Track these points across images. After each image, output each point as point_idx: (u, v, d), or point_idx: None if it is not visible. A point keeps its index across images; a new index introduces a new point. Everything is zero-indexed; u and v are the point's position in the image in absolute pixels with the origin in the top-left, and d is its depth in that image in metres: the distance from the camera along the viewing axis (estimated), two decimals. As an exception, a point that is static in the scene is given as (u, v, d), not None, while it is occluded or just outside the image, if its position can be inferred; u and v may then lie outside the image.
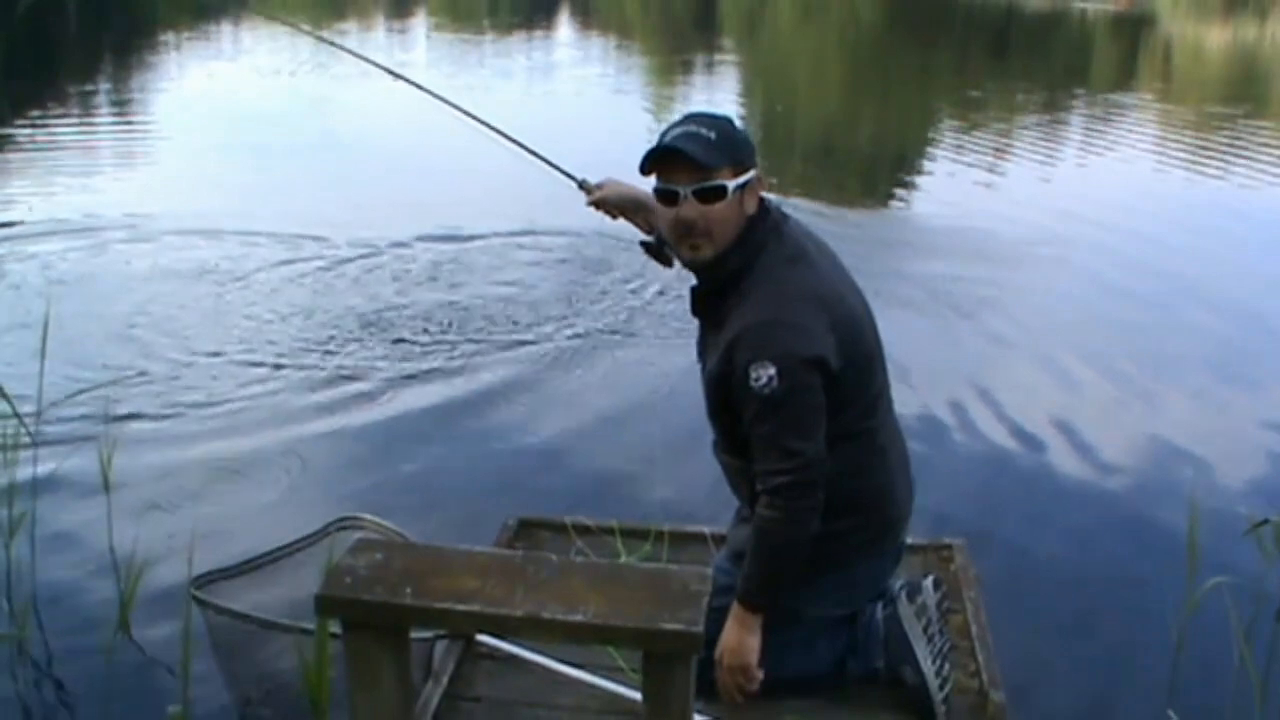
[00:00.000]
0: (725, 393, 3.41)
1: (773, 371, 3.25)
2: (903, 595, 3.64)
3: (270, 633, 3.65)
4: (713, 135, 3.38)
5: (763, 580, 3.40)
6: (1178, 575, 4.77)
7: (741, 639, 3.43)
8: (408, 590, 2.75)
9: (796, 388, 3.27)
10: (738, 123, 3.52)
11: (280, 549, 3.99)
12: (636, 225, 4.04)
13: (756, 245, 3.41)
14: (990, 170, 14.70)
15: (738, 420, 3.42)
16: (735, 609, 3.43)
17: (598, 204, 4.11)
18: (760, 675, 3.46)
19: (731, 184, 3.37)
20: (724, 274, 3.43)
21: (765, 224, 3.45)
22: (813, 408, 3.32)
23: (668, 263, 3.91)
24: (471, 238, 10.39)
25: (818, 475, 3.31)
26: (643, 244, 3.99)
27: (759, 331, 3.31)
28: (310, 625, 3.75)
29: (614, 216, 4.12)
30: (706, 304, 3.55)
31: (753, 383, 3.26)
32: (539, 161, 4.33)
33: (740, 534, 3.63)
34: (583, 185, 4.16)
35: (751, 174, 3.43)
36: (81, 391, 6.30)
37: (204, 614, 3.69)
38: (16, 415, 4.76)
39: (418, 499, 5.65)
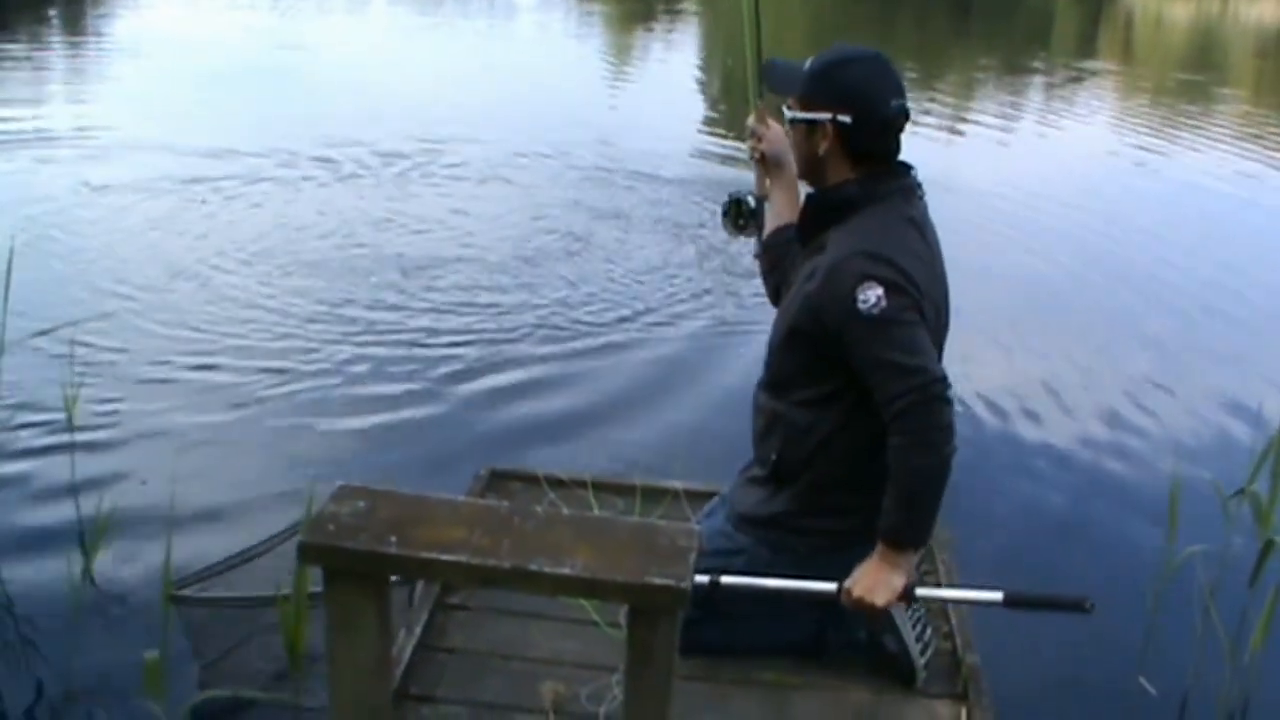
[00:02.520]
0: (813, 318, 3.31)
1: (880, 291, 3.15)
2: None
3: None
4: (805, 64, 3.43)
5: (907, 514, 3.23)
6: (1153, 543, 4.83)
7: (883, 577, 3.26)
8: (392, 539, 2.70)
9: (906, 308, 3.19)
10: (856, 64, 3.40)
11: (260, 544, 3.97)
12: (759, 176, 3.91)
13: (876, 191, 3.35)
14: (947, 141, 14.73)
15: (814, 356, 3.37)
16: (880, 547, 3.27)
17: (760, 133, 3.96)
18: (891, 603, 3.29)
19: (789, 115, 3.43)
20: (825, 203, 3.42)
21: (890, 181, 3.39)
22: (922, 328, 3.22)
23: (743, 229, 3.86)
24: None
25: (942, 390, 3.16)
26: (732, 201, 3.89)
27: (868, 256, 3.22)
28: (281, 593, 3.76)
29: (754, 155, 3.99)
30: (813, 221, 3.47)
31: (860, 304, 3.16)
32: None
33: (749, 496, 3.57)
34: (761, 104, 3.99)
35: (817, 115, 3.37)
36: (45, 332, 6.24)
37: (183, 614, 3.67)
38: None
39: (385, 447, 5.63)
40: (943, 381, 3.18)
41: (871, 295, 3.16)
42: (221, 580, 4.02)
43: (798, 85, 3.42)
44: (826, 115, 3.35)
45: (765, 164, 3.85)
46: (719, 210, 3.87)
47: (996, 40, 28.03)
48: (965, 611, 3.90)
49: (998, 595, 3.31)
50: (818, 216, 3.45)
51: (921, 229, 3.40)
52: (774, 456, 3.51)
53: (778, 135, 3.80)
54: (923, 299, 3.25)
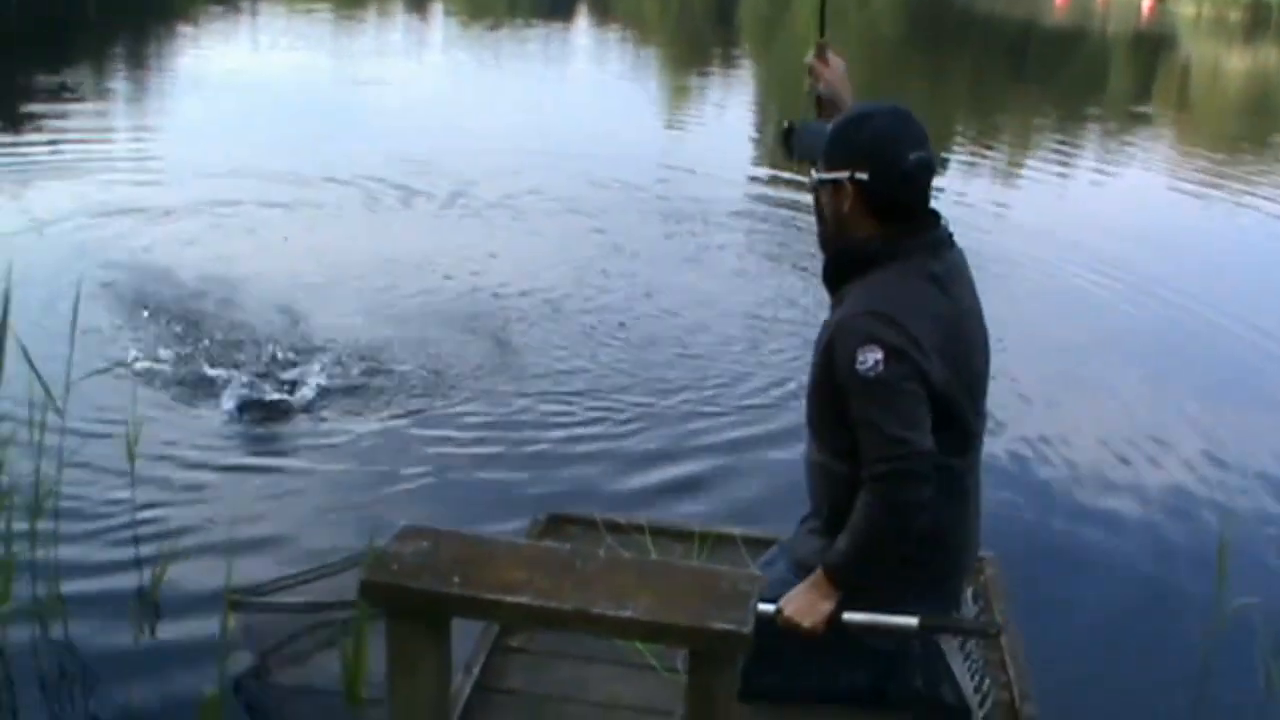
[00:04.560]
0: (826, 374, 3.35)
1: (880, 355, 3.18)
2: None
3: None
4: (826, 128, 3.48)
5: (852, 559, 3.27)
6: (1206, 592, 4.79)
7: (812, 602, 3.31)
8: (455, 580, 2.72)
9: (902, 375, 3.20)
10: (872, 120, 3.41)
11: (322, 567, 4.00)
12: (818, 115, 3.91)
13: (898, 248, 3.36)
14: (1004, 187, 14.71)
15: (833, 409, 3.37)
16: (818, 574, 3.31)
17: (819, 71, 3.97)
18: (820, 631, 3.32)
19: (815, 175, 3.46)
20: (845, 258, 3.45)
21: (914, 236, 3.39)
22: (918, 398, 3.23)
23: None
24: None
25: (923, 467, 3.19)
26: (788, 129, 3.79)
27: (875, 315, 3.25)
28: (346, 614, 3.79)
29: (812, 90, 4.00)
30: (835, 274, 3.51)
31: (859, 365, 3.19)
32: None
33: (808, 545, 3.58)
34: (821, 44, 4.00)
35: (837, 175, 3.39)
36: (109, 369, 6.31)
37: (240, 617, 3.70)
38: (47, 391, 4.74)
39: (445, 492, 5.65)
40: (924, 457, 3.19)
41: (870, 358, 3.19)
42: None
43: (821, 147, 3.46)
44: (845, 174, 3.38)
45: (821, 103, 3.88)
46: (780, 136, 3.77)
47: (1052, 86, 27.95)
48: (1023, 662, 3.89)
49: (913, 621, 3.35)
50: (840, 269, 3.49)
51: (945, 285, 3.39)
52: (826, 510, 3.52)
53: (836, 73, 3.85)
54: (929, 363, 3.25)
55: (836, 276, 3.50)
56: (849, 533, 3.26)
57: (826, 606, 3.31)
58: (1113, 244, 11.48)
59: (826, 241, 3.55)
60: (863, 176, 3.36)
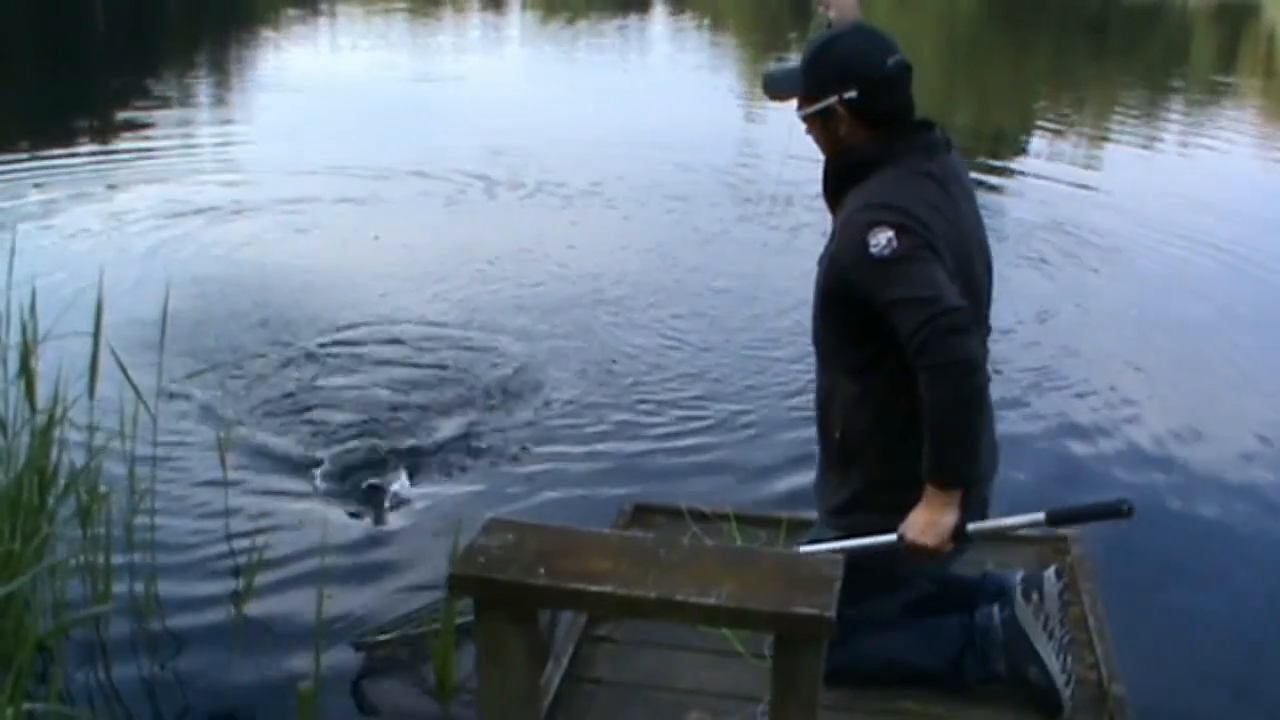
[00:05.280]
0: (838, 277, 3.36)
1: (891, 234, 3.19)
2: (1019, 594, 3.58)
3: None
4: (797, 63, 3.54)
5: (938, 450, 3.21)
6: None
7: (932, 518, 3.27)
8: (541, 571, 2.76)
9: (918, 246, 3.20)
10: (840, 40, 3.51)
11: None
12: None
13: (891, 150, 3.41)
14: (1086, 164, 14.55)
15: (844, 319, 3.41)
16: (928, 491, 3.26)
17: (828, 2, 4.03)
18: (951, 547, 3.30)
19: (800, 113, 3.52)
20: (841, 166, 3.49)
21: (900, 140, 3.44)
22: (936, 264, 3.21)
23: None
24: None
25: (961, 320, 3.13)
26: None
27: (877, 206, 3.28)
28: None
29: (824, 10, 4.05)
30: (833, 185, 3.55)
31: (871, 249, 3.19)
32: None
33: (827, 488, 3.62)
34: None
35: (825, 102, 3.44)
36: (201, 372, 6.42)
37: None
38: (138, 394, 4.84)
39: (529, 482, 5.72)
40: (959, 312, 3.14)
41: (882, 238, 3.20)
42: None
43: (798, 84, 3.52)
44: (833, 98, 3.43)
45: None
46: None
47: (1134, 58, 27.61)
48: (1111, 643, 3.87)
49: (1039, 515, 3.35)
50: (837, 181, 3.52)
51: (943, 183, 3.42)
52: (837, 434, 3.53)
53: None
54: (936, 241, 3.25)
55: (836, 189, 3.53)
56: (927, 424, 3.19)
57: (948, 520, 3.27)
58: (1205, 218, 11.32)
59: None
60: (851, 95, 3.42)
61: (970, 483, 3.33)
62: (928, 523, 3.28)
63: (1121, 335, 8.15)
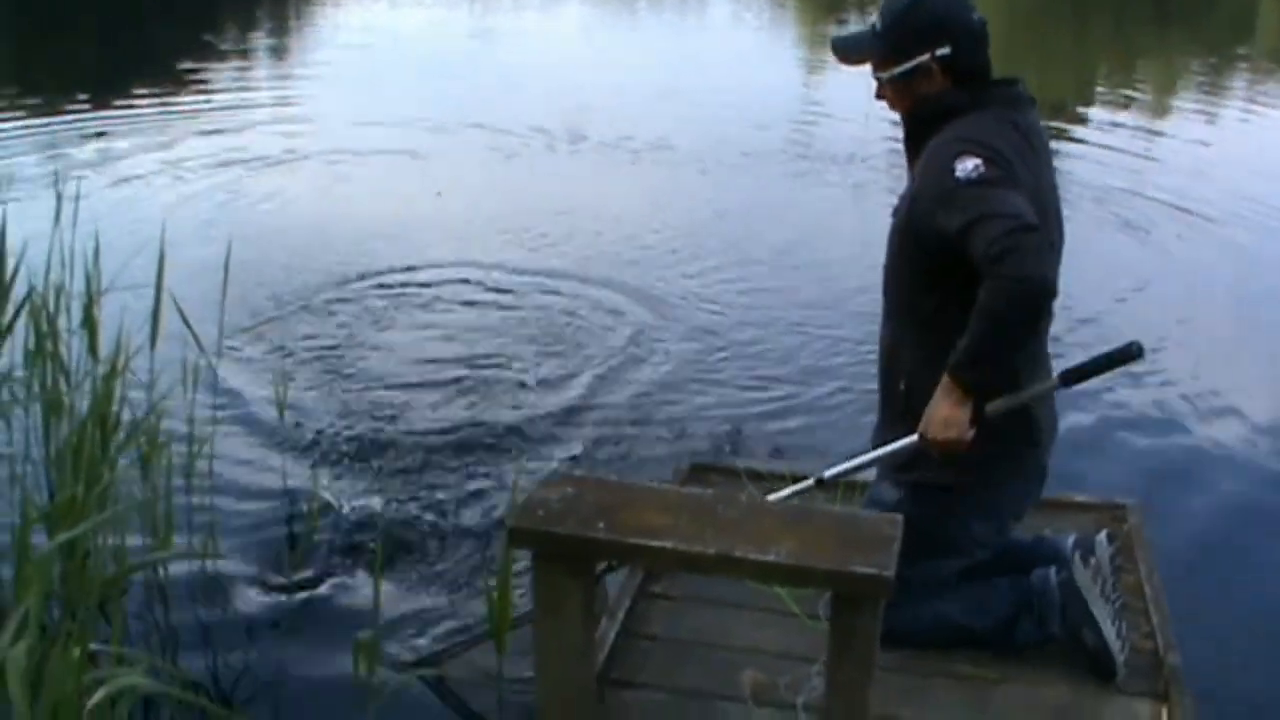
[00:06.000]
0: (917, 210, 3.35)
1: (978, 160, 3.17)
2: (1076, 557, 3.59)
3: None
4: (877, 25, 3.52)
5: (978, 352, 3.17)
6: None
7: (948, 411, 3.25)
8: (600, 524, 2.78)
9: (1002, 174, 3.18)
10: (922, 3, 3.47)
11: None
12: None
13: (978, 98, 3.41)
14: (1148, 136, 14.39)
15: (921, 264, 3.40)
16: (944, 381, 3.25)
17: None
18: (970, 435, 3.27)
19: (884, 75, 3.51)
20: (927, 113, 3.47)
21: (985, 91, 3.44)
22: (1020, 192, 3.18)
23: None
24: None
25: (1042, 241, 3.10)
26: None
27: (964, 139, 3.27)
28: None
29: None
30: (916, 133, 3.53)
31: (957, 173, 3.17)
32: None
33: (884, 440, 3.58)
34: None
35: (917, 61, 3.44)
36: (259, 325, 6.47)
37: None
38: (199, 344, 4.88)
39: (586, 441, 5.71)
40: (1041, 232, 3.11)
41: (969, 163, 3.18)
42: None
43: (877, 47, 3.51)
44: (925, 56, 3.42)
45: None
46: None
47: (1198, 32, 27.24)
48: (1166, 612, 3.86)
49: (1053, 380, 3.41)
50: (921, 128, 3.50)
51: (1027, 135, 3.41)
52: (902, 386, 3.53)
53: None
54: (1020, 180, 3.23)
55: (917, 136, 3.51)
56: (973, 322, 3.15)
57: (964, 411, 3.26)
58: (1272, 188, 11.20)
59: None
60: (944, 51, 3.42)
61: (991, 394, 3.31)
62: (947, 417, 3.26)
63: (1198, 304, 8.07)
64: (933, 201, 3.28)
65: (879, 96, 3.61)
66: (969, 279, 3.15)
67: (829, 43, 3.69)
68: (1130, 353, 3.36)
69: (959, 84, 3.45)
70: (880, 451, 3.54)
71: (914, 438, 3.37)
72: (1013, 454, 3.53)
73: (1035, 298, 3.10)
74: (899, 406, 3.54)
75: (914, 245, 3.43)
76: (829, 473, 3.60)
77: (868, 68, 3.59)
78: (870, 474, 3.82)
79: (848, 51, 3.63)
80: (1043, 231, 3.14)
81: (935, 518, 3.49)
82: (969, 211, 3.14)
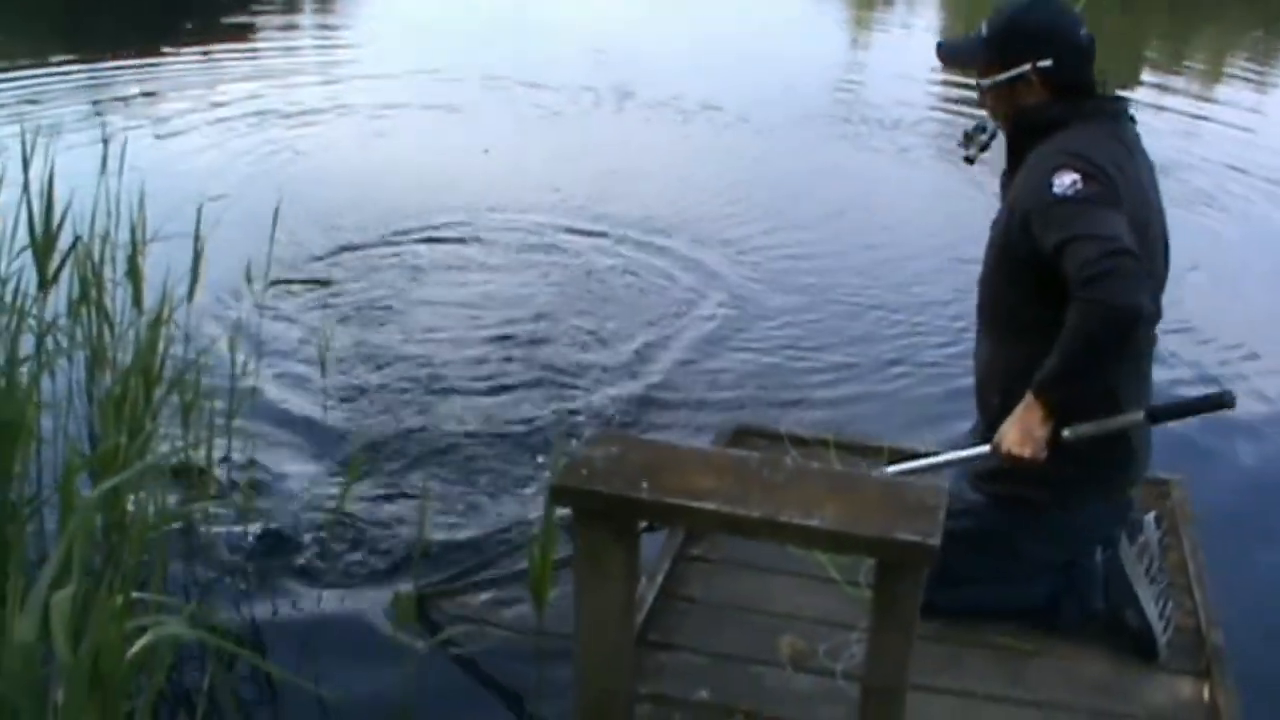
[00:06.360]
0: (1015, 223, 3.31)
1: (1076, 176, 3.14)
2: (1123, 536, 3.56)
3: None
4: (983, 30, 3.51)
5: (1063, 373, 3.16)
6: None
7: (1027, 428, 3.24)
8: (644, 484, 2.76)
9: (1102, 193, 3.14)
10: (1035, 10, 3.48)
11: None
12: None
13: (1081, 110, 3.39)
14: (1196, 114, 14.22)
15: (1019, 278, 3.37)
16: (1026, 398, 3.24)
17: None
18: (1044, 455, 3.26)
19: (986, 82, 3.50)
20: (1027, 124, 3.45)
21: (1088, 104, 3.42)
22: (1120, 213, 3.14)
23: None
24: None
25: (1139, 268, 3.05)
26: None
27: (1064, 152, 3.24)
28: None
29: None
30: (1018, 143, 3.50)
31: (1055, 188, 3.14)
32: None
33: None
34: None
35: (1019, 70, 3.41)
36: (306, 278, 6.47)
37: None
38: (245, 295, 4.89)
39: (632, 401, 5.70)
40: (1139, 259, 3.06)
41: (1066, 179, 3.15)
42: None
43: (984, 51, 3.49)
44: (1026, 66, 3.39)
45: None
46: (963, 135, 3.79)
47: (1257, 3, 26.89)
48: (1208, 589, 3.83)
49: (1139, 414, 3.34)
50: (1023, 138, 3.47)
51: (1131, 150, 3.38)
52: (996, 400, 3.48)
53: None
54: (1120, 197, 3.19)
55: (1018, 146, 3.49)
56: (1060, 344, 3.14)
57: (1043, 431, 3.25)
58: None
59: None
60: (1046, 64, 3.39)
61: (1075, 416, 3.28)
62: (1024, 434, 3.25)
63: (1244, 274, 8.01)
64: (1030, 216, 3.25)
65: (980, 104, 3.61)
66: (1065, 295, 3.13)
67: (935, 46, 3.73)
68: (1223, 401, 3.35)
69: (1060, 97, 3.41)
70: (951, 456, 3.52)
71: (986, 447, 3.36)
72: (1098, 478, 3.47)
73: (1125, 324, 3.07)
74: (992, 418, 3.49)
75: (1011, 258, 3.40)
76: (891, 469, 3.55)
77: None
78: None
79: (952, 56, 3.71)
80: (1141, 255, 3.10)
81: (1006, 532, 3.51)
82: (1064, 230, 3.12)
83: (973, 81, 3.66)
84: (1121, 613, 3.55)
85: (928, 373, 6.21)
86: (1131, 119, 3.47)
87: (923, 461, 3.56)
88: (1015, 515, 3.50)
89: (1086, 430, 3.30)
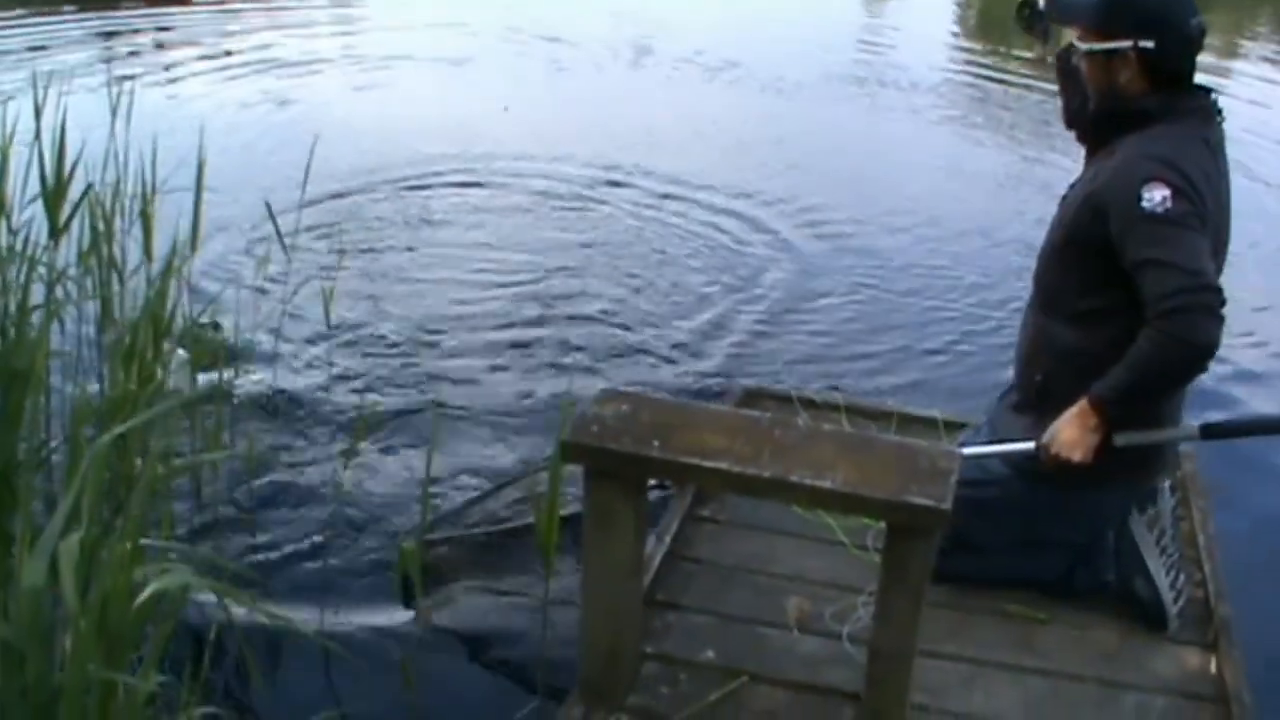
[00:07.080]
0: (1094, 217, 3.25)
1: (1167, 192, 3.08)
2: (1134, 506, 3.54)
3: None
4: None
5: (1128, 392, 3.17)
6: None
7: (1080, 433, 3.25)
8: (655, 443, 2.75)
9: (1190, 214, 3.10)
10: None
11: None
12: None
13: (1175, 107, 3.30)
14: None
15: (1084, 268, 3.33)
16: (1082, 404, 3.24)
17: None
18: (1090, 460, 3.26)
19: (1084, 46, 3.36)
20: (1120, 111, 3.35)
21: (1189, 99, 3.33)
22: (1203, 237, 3.12)
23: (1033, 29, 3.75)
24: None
25: (1216, 302, 3.04)
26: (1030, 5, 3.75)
27: (1159, 161, 3.17)
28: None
29: None
30: (1105, 129, 3.41)
31: (1144, 201, 3.09)
32: None
33: (1011, 423, 3.54)
34: None
35: (1118, 44, 3.29)
36: (319, 224, 6.45)
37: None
38: (280, 240, 4.88)
39: (644, 362, 5.70)
40: (1218, 294, 3.05)
41: (1158, 194, 3.09)
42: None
43: (1089, 13, 3.35)
44: (1128, 43, 3.27)
45: None
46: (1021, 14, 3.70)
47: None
48: (1218, 561, 3.81)
49: (1194, 428, 3.34)
50: (1111, 125, 3.38)
51: (1215, 153, 3.31)
52: (1039, 377, 3.46)
53: None
54: (1206, 215, 3.15)
55: (1106, 132, 3.40)
56: (1128, 365, 3.13)
57: (1095, 437, 3.25)
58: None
59: (1076, 114, 3.47)
60: (1148, 45, 3.27)
61: (1124, 426, 3.28)
62: (1074, 440, 3.26)
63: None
64: (1110, 214, 3.20)
65: (1058, 73, 3.51)
66: (1128, 294, 3.13)
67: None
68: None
69: (1155, 84, 3.31)
70: (991, 449, 3.50)
71: (1031, 445, 3.35)
72: (1129, 465, 3.42)
73: (1201, 361, 3.08)
74: (1030, 395, 3.48)
75: (1076, 243, 3.35)
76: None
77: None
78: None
79: (1060, 10, 3.51)
80: (1217, 280, 3.10)
81: (1029, 507, 3.49)
82: (1149, 249, 3.09)
83: (1001, 51, 3.57)
84: (1131, 582, 3.53)
85: (941, 337, 6.19)
86: (1220, 113, 3.38)
87: (970, 450, 3.50)
88: (1040, 492, 3.47)
89: (1138, 439, 3.30)
